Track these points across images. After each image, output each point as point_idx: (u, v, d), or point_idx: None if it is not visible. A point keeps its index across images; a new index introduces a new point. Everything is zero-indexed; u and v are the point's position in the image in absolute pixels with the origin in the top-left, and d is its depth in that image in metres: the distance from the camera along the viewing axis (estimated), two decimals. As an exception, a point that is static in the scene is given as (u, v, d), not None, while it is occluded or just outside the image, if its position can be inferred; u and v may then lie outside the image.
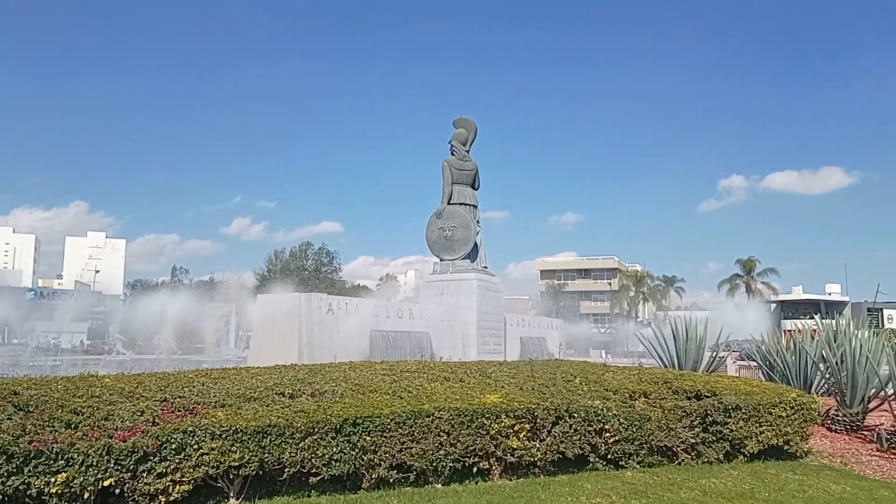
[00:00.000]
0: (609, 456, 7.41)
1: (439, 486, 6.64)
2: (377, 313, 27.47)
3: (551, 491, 6.38)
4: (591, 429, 7.24)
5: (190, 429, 5.53)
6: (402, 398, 6.89)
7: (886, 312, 70.02)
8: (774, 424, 8.13)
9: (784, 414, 8.18)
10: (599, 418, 7.28)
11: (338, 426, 6.11)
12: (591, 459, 7.33)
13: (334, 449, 6.10)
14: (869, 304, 74.37)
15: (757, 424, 8.06)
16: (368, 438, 6.23)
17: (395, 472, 6.45)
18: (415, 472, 6.55)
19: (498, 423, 6.77)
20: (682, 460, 7.76)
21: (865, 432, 9.77)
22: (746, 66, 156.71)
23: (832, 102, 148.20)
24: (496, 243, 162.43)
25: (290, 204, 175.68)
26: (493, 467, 6.91)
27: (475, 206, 33.99)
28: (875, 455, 8.66)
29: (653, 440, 7.58)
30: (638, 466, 7.46)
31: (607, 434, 7.33)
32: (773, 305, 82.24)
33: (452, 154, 33.67)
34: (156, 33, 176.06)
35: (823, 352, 10.55)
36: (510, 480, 6.87)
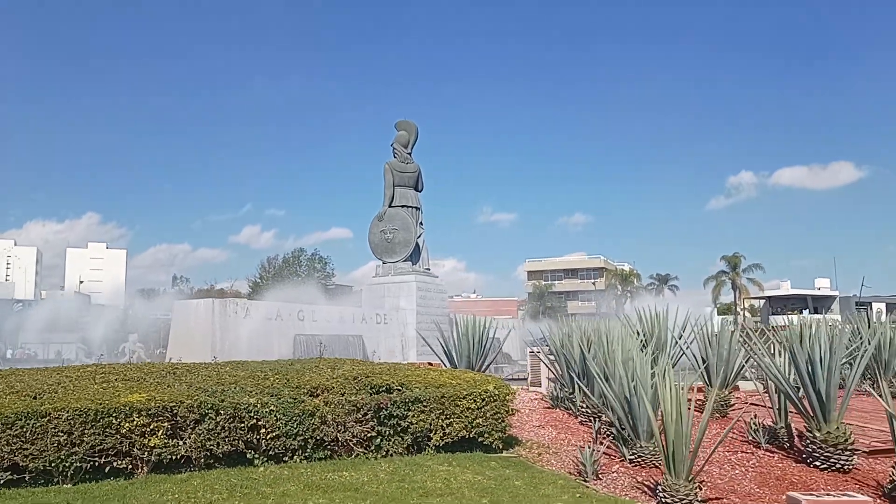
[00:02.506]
0: (270, 452, 7.49)
1: (69, 485, 6.74)
2: (303, 317, 27.69)
3: (156, 488, 6.46)
4: (242, 425, 7.32)
5: None
6: (35, 398, 7.03)
7: (875, 306, 69.17)
8: (463, 417, 8.16)
9: (473, 406, 8.21)
10: (252, 414, 7.36)
11: (-73, 429, 6.25)
12: (250, 456, 7.42)
13: (-76, 452, 6.23)
14: (857, 299, 73.53)
15: (443, 417, 8.11)
16: (-33, 440, 6.36)
17: (9, 473, 6.56)
18: (33, 473, 6.65)
19: (129, 422, 6.87)
20: (357, 454, 7.84)
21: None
22: (755, 60, 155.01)
23: (842, 96, 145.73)
24: (505, 246, 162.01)
25: (299, 211, 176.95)
26: (138, 466, 7.01)
27: (418, 209, 34.16)
28: (576, 445, 8.65)
29: (319, 435, 7.65)
30: (302, 462, 7.54)
31: (264, 430, 7.41)
32: (763, 301, 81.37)
33: (394, 156, 33.84)
34: (163, 46, 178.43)
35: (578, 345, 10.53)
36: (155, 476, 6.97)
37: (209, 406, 7.23)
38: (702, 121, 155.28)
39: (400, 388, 8.30)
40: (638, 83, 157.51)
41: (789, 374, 8.16)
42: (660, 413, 6.92)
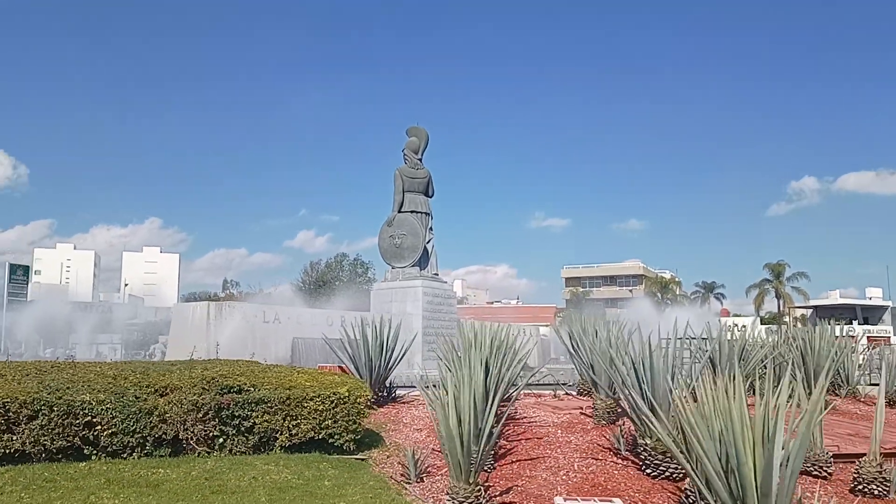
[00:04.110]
0: (109, 448, 7.73)
1: None
2: (302, 321, 28.16)
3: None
4: (77, 422, 7.58)
5: None
6: None
7: (931, 317, 65.81)
8: (310, 418, 8.26)
9: (322, 408, 8.29)
10: (87, 411, 7.61)
11: None
12: (87, 452, 7.68)
13: None
14: (912, 309, 70.07)
15: (290, 418, 8.22)
16: None
17: None
18: None
19: (-38, 417, 7.23)
20: (200, 452, 8.02)
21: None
22: (819, 60, 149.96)
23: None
24: (556, 251, 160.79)
25: (353, 217, 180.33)
26: (-23, 458, 7.36)
27: (427, 214, 34.32)
28: (433, 449, 8.64)
29: (157, 433, 7.86)
30: (141, 458, 7.74)
31: (99, 427, 7.66)
32: (809, 311, 78.55)
33: (405, 162, 34.17)
34: (225, 59, 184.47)
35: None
36: None
37: (42, 403, 7.50)
38: (763, 123, 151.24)
39: (251, 388, 8.45)
40: (697, 83, 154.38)
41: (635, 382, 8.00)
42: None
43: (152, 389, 8.25)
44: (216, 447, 8.09)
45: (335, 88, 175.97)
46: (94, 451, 7.70)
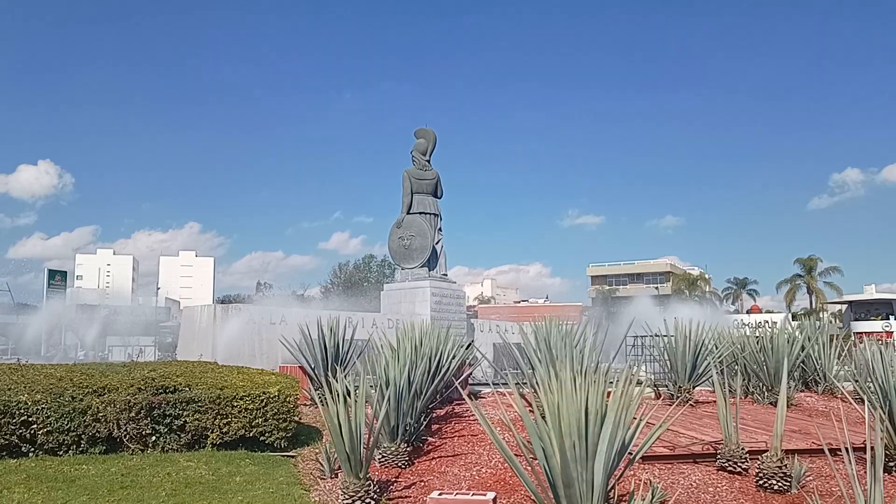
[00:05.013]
0: (45, 446, 8.11)
1: None
2: (307, 322, 28.56)
3: None
4: (14, 421, 7.97)
5: None
6: None
7: (973, 312, 63.73)
8: (241, 417, 8.53)
9: (252, 407, 8.56)
10: (23, 411, 8.00)
11: None
12: (25, 449, 8.07)
13: None
14: (952, 303, 67.86)
15: (220, 417, 8.50)
16: None
17: None
18: None
19: None
20: (134, 450, 8.35)
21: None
22: (860, 48, 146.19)
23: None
24: (590, 248, 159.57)
25: (386, 218, 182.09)
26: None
27: (436, 215, 34.51)
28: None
29: (91, 431, 8.21)
30: (77, 455, 8.09)
31: (35, 426, 8.04)
32: (844, 307, 76.56)
33: (413, 164, 34.46)
34: (256, 59, 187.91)
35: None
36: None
37: (-18, 402, 7.92)
38: (804, 114, 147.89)
39: (185, 388, 8.76)
40: (735, 75, 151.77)
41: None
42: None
43: (90, 390, 8.59)
44: (150, 445, 8.40)
45: (369, 91, 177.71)
46: (32, 449, 8.06)
